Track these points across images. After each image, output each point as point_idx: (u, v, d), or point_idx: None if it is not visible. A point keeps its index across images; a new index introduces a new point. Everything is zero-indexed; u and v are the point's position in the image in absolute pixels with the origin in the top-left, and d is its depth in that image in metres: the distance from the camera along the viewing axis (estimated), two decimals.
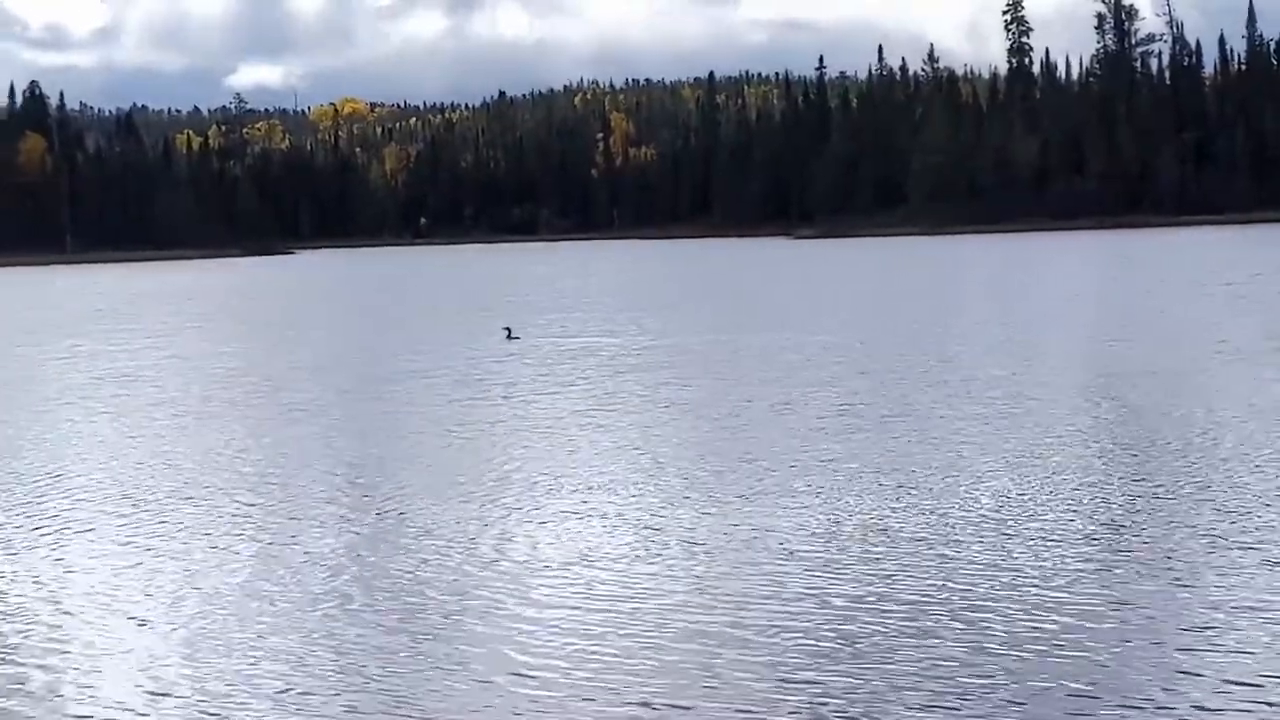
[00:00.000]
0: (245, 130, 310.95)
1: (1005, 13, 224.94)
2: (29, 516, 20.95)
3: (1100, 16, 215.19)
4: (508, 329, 50.88)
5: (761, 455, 24.07)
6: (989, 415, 27.77)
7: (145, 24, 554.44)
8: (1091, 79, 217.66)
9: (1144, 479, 20.96)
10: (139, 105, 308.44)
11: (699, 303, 70.99)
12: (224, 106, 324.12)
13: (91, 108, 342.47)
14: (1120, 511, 18.79)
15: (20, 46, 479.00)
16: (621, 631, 14.27)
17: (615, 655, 13.49)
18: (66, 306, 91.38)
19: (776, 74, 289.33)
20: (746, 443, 25.61)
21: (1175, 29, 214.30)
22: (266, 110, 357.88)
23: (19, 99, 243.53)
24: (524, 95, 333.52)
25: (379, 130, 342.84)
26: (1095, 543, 17.17)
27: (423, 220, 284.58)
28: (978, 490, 20.44)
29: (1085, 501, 19.50)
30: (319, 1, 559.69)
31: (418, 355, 46.58)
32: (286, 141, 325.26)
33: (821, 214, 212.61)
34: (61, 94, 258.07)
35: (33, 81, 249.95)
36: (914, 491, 20.49)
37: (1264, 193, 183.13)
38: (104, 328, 67.06)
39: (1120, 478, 21.15)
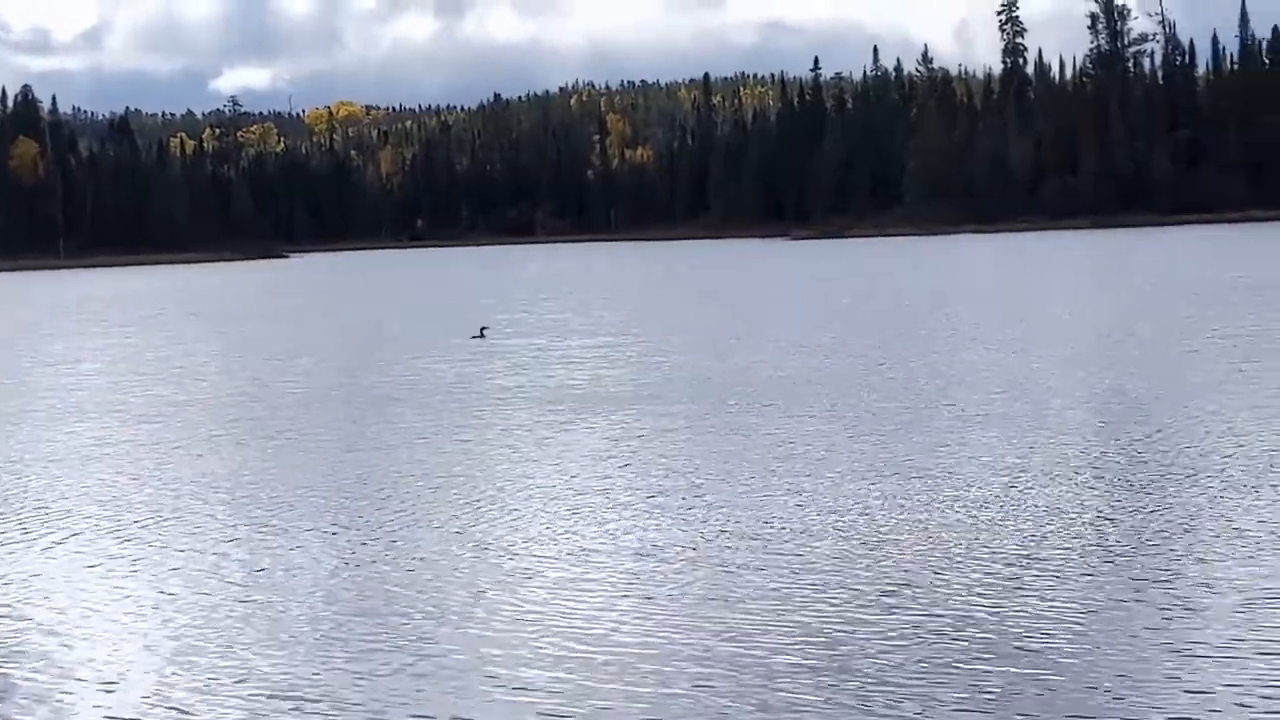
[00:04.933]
0: (240, 133, 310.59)
1: (1000, 13, 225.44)
2: None
3: (1093, 17, 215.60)
4: (483, 328, 51.30)
5: (722, 464, 23.95)
6: (976, 416, 27.70)
7: (131, 28, 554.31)
8: (1085, 79, 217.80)
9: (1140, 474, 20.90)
10: (132, 109, 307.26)
11: (683, 303, 70.87)
12: (218, 110, 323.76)
13: (84, 111, 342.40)
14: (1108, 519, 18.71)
15: (5, 50, 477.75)
16: (604, 650, 14.18)
17: (597, 674, 13.42)
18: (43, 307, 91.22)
19: (771, 75, 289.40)
20: (702, 452, 25.50)
21: (1167, 29, 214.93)
22: (261, 113, 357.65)
23: (10, 103, 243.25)
24: (519, 97, 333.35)
25: (374, 133, 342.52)
26: (1087, 552, 17.10)
27: (419, 222, 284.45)
28: (945, 497, 20.38)
29: (1072, 509, 19.41)
30: (306, 4, 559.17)
31: (388, 354, 46.43)
32: (281, 145, 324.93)
33: (818, 214, 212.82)
34: (54, 98, 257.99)
35: (25, 85, 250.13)
36: (890, 497, 20.41)
37: (1257, 191, 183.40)
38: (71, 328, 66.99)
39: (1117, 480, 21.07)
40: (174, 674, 13.59)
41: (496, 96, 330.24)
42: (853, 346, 44.20)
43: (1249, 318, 47.47)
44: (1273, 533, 17.29)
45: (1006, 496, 20.08)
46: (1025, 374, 35.10)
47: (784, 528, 18.67)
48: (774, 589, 15.76)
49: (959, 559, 16.75)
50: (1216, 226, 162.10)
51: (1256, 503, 19.02)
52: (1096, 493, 20.22)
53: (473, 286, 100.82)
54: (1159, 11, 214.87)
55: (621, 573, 16.82)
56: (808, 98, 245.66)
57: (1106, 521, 18.39)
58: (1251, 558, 16.25)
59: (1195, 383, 32.27)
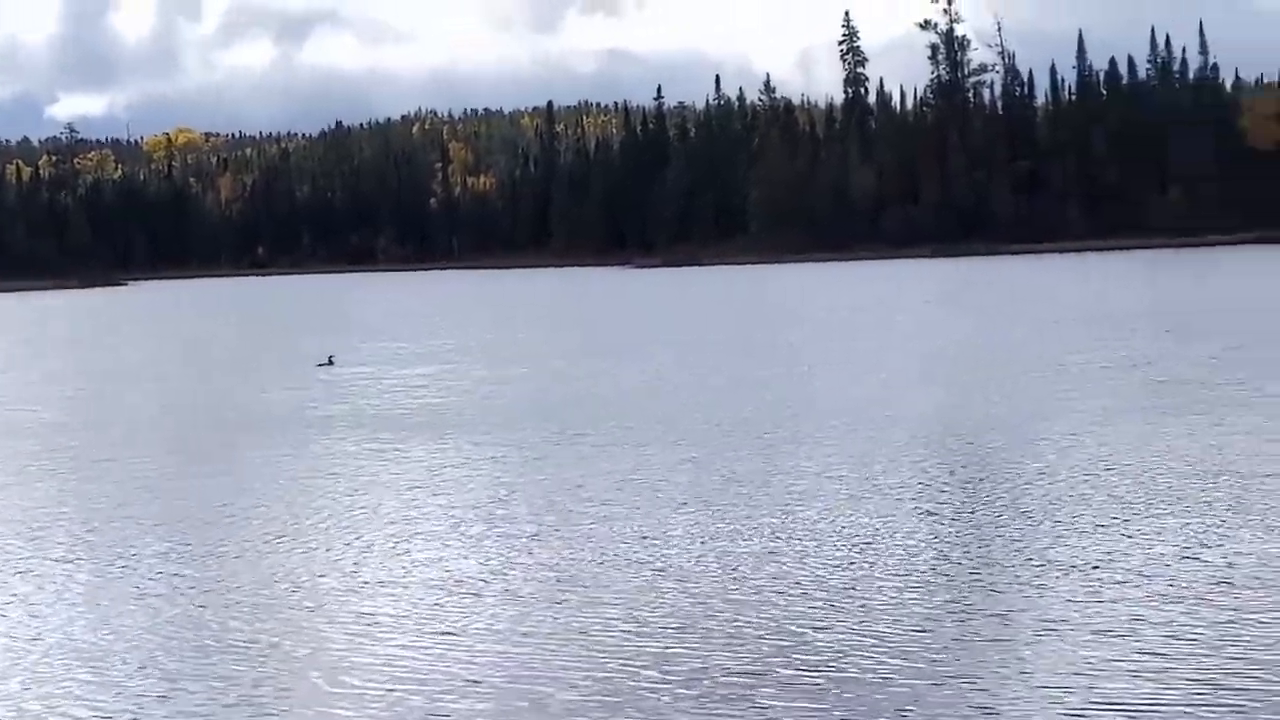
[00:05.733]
0: (77, 160, 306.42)
1: (841, 43, 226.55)
2: None
3: (933, 47, 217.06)
4: (330, 357, 50.65)
5: (543, 493, 23.42)
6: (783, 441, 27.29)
7: None
8: (925, 109, 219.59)
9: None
10: None
11: (523, 330, 70.37)
12: (55, 137, 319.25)
13: None
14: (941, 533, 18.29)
15: None
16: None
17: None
18: None
19: (615, 103, 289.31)
20: (522, 480, 24.94)
21: (1007, 59, 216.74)
22: (98, 140, 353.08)
23: None
24: (361, 125, 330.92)
25: (214, 160, 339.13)
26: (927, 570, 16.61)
27: (259, 250, 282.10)
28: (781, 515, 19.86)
29: (911, 526, 18.97)
30: (143, 30, 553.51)
31: (233, 381, 45.67)
32: (119, 172, 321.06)
33: (661, 243, 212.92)
34: None
35: None
36: (708, 525, 19.91)
37: (1095, 222, 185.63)
38: None
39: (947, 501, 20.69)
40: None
41: (338, 124, 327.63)
42: (690, 373, 43.86)
43: (1079, 347, 47.70)
44: (1094, 563, 17.12)
45: (823, 523, 19.78)
46: (861, 400, 34.83)
47: (595, 558, 18.40)
48: (574, 623, 15.44)
49: (769, 588, 16.47)
50: (1054, 256, 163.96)
51: (1077, 530, 18.89)
52: (919, 518, 20.07)
53: (318, 314, 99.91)
54: (998, 42, 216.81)
55: (424, 606, 16.44)
56: (651, 126, 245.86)
57: (927, 548, 18.18)
58: (1070, 584, 16.11)
59: (1027, 410, 32.19)
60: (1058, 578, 16.38)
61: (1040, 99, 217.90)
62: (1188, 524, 18.86)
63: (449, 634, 15.22)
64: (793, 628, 14.88)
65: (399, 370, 48.67)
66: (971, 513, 20.37)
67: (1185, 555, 17.16)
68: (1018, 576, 16.56)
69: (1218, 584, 15.82)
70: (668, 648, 14.35)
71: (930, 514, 20.36)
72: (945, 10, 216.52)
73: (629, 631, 14.99)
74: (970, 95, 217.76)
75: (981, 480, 23.06)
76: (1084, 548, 17.77)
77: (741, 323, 71.69)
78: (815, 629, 14.76)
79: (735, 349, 53.27)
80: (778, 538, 19.07)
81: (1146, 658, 13.42)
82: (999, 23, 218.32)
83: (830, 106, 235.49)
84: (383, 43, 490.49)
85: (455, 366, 49.48)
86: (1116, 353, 44.61)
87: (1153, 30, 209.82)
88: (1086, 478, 22.56)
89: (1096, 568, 16.74)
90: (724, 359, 48.76)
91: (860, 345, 53.04)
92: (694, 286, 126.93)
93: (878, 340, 55.27)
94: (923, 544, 18.42)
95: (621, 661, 14.02)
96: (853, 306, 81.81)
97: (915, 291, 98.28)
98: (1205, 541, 17.83)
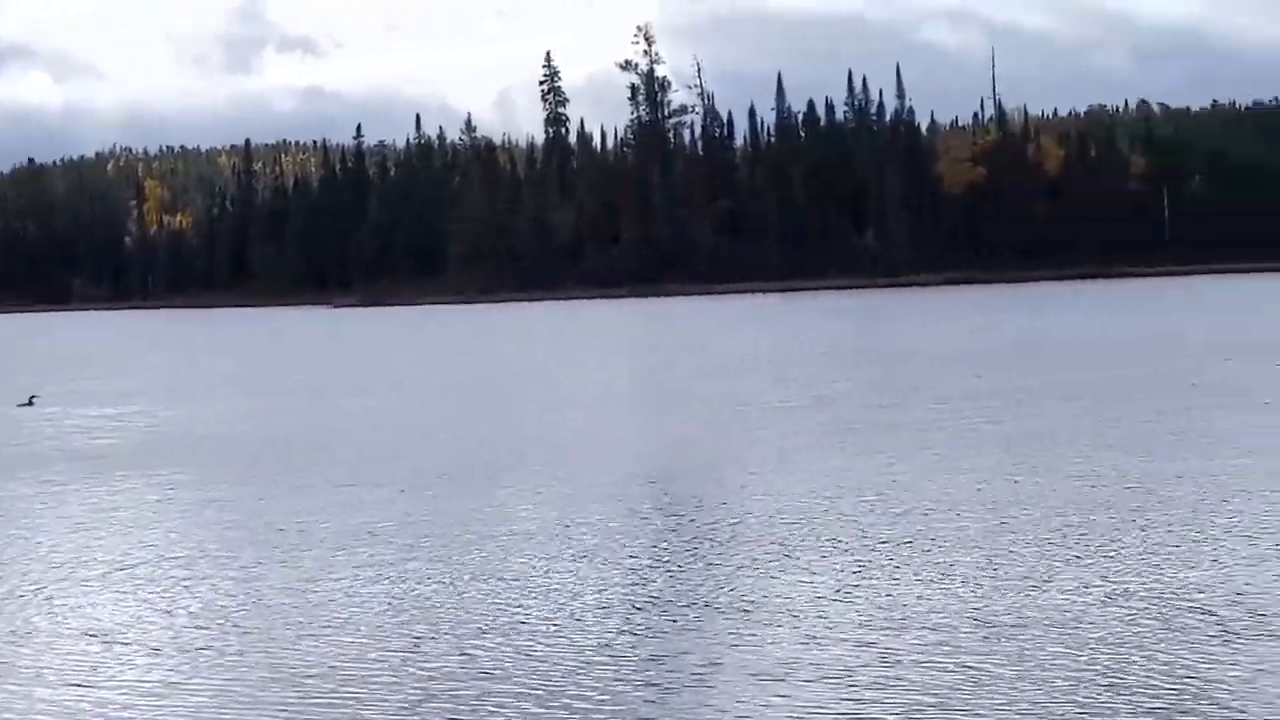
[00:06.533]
0: None
1: (542, 83, 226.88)
2: None
3: (633, 87, 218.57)
4: (31, 397, 49.33)
5: (212, 537, 22.76)
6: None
7: None
8: (626, 149, 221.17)
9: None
10: None
11: (216, 371, 69.11)
12: None
13: None
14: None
15: None
16: None
17: None
18: None
19: (314, 141, 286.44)
20: (184, 523, 24.19)
21: (706, 101, 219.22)
22: None
23: None
24: (54, 162, 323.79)
25: None
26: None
27: None
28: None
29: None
30: None
31: None
32: None
33: (361, 282, 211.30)
34: None
35: None
36: (376, 568, 19.37)
37: (795, 261, 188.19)
38: None
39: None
40: None
41: (30, 161, 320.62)
42: (390, 413, 43.31)
43: (759, 387, 48.06)
44: (752, 604, 16.99)
45: (487, 565, 19.49)
46: (564, 440, 34.55)
47: (244, 605, 17.75)
48: (214, 674, 14.91)
49: (428, 634, 16.09)
50: (754, 295, 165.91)
51: (741, 571, 18.76)
52: (580, 561, 19.77)
53: (13, 355, 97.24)
54: (698, 84, 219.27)
55: (61, 656, 15.77)
56: (350, 165, 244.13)
57: (588, 590, 17.91)
58: (727, 625, 15.92)
59: (701, 451, 32.19)
60: (717, 619, 16.15)
61: (740, 140, 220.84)
62: (851, 564, 18.77)
63: (84, 686, 14.61)
64: (445, 668, 14.56)
65: (95, 410, 47.36)
66: (634, 556, 20.08)
67: (846, 596, 17.02)
68: (675, 619, 16.26)
69: (873, 626, 15.64)
70: (309, 697, 13.83)
71: (588, 557, 20.01)
72: (645, 51, 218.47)
73: (269, 679, 14.47)
74: (671, 136, 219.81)
75: (645, 521, 22.84)
76: (742, 589, 17.56)
77: (428, 362, 71.17)
78: (465, 672, 14.37)
79: (420, 389, 52.76)
80: (436, 581, 18.62)
81: (799, 700, 13.18)
82: (698, 64, 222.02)
83: (531, 146, 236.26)
84: (77, 79, 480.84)
85: (146, 407, 48.28)
86: (796, 392, 44.92)
87: (850, 73, 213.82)
88: (755, 518, 22.42)
89: (751, 609, 16.53)
90: (410, 400, 48.26)
91: (531, 387, 52.84)
92: (394, 326, 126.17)
93: (545, 382, 55.15)
94: (584, 587, 18.06)
95: (257, 714, 13.51)
96: (528, 346, 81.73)
97: (611, 331, 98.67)
98: (867, 582, 17.71)
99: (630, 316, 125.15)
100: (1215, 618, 15.40)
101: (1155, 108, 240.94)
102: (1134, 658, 14.06)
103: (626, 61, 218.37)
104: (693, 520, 22.61)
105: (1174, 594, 16.46)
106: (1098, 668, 13.79)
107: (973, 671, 13.82)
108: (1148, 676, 13.47)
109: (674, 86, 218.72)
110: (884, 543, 20.06)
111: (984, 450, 29.72)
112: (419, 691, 13.89)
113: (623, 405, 43.75)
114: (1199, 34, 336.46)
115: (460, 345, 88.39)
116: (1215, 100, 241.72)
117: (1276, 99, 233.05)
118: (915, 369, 52.34)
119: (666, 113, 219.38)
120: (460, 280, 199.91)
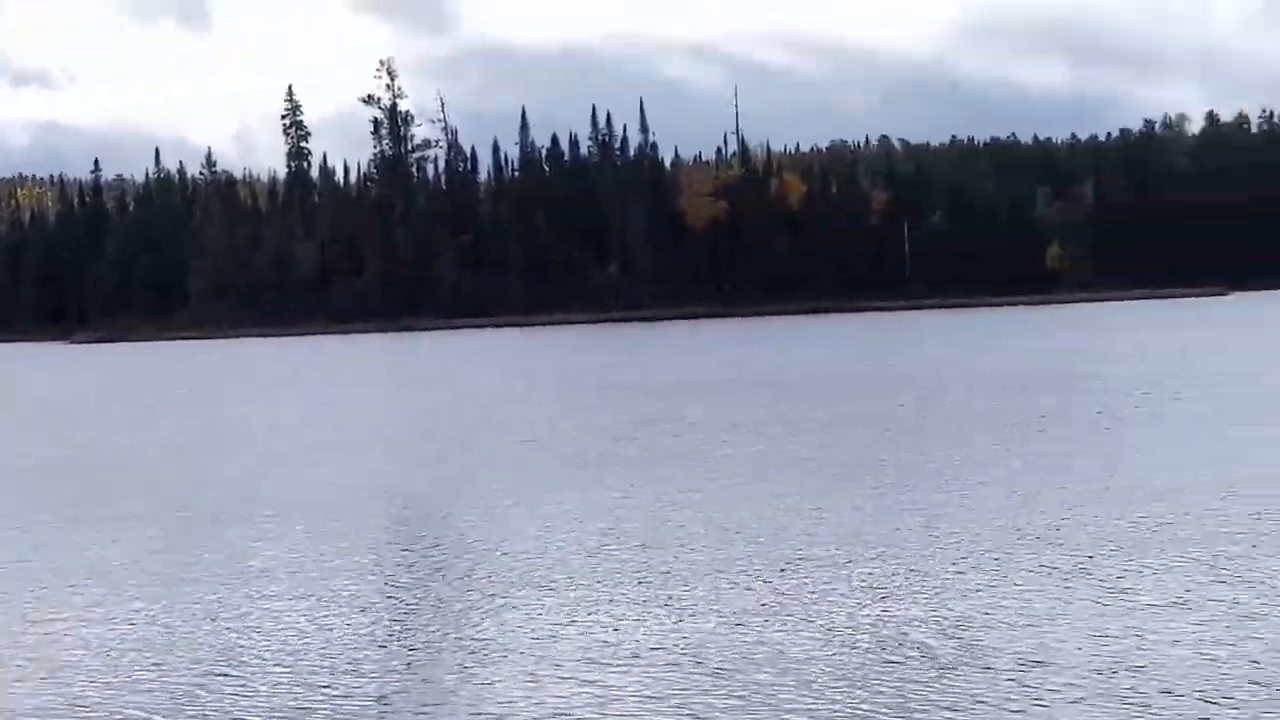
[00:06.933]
0: None
1: (284, 117, 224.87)
2: None
3: (376, 122, 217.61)
4: None
5: None
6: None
7: None
8: (369, 183, 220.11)
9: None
10: None
11: None
12: None
13: None
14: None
15: None
16: None
17: None
18: None
19: (50, 176, 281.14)
20: None
21: (450, 135, 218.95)
22: None
23: None
24: None
25: None
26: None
27: None
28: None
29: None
30: None
31: None
32: None
33: (100, 317, 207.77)
34: None
35: None
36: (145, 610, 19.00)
37: (537, 295, 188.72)
38: None
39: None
40: None
41: None
42: (145, 451, 42.64)
43: (500, 422, 48.06)
44: (518, 649, 16.92)
45: (225, 604, 19.09)
46: (297, 480, 34.20)
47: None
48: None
49: (145, 676, 15.77)
50: (498, 330, 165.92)
51: (508, 613, 18.60)
52: (340, 604, 19.42)
53: None
54: (442, 118, 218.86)
55: None
56: (88, 199, 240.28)
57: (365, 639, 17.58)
58: (454, 663, 15.82)
59: (463, 488, 32.08)
60: (443, 657, 16.07)
61: (484, 175, 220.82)
62: (579, 601, 18.76)
63: None
64: (166, 707, 14.35)
65: None
66: (362, 595, 19.91)
67: (571, 634, 17.02)
68: (401, 659, 16.17)
69: (596, 663, 15.66)
70: None
71: (315, 596, 19.81)
72: (388, 86, 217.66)
73: None
74: (414, 170, 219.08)
75: (376, 560, 22.66)
76: (469, 628, 17.51)
77: (158, 398, 70.24)
78: (185, 714, 14.15)
79: (145, 424, 52.04)
80: (159, 623, 18.31)
81: None
82: (441, 99, 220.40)
83: (273, 180, 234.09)
84: None
85: None
86: (540, 427, 44.98)
87: (594, 109, 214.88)
88: (488, 556, 22.37)
89: (477, 648, 16.47)
90: (143, 436, 47.58)
91: (270, 421, 52.39)
92: (133, 362, 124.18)
93: (282, 417, 54.70)
94: (310, 625, 17.88)
95: None
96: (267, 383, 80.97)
97: (342, 367, 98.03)
98: (593, 618, 17.72)
99: (371, 351, 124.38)
100: (929, 649, 15.65)
101: (896, 144, 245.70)
102: (856, 692, 14.21)
103: (369, 96, 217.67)
104: (425, 557, 22.50)
105: (891, 628, 16.68)
106: (816, 702, 13.92)
107: (696, 708, 13.88)
108: (870, 711, 13.62)
109: (417, 121, 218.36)
110: (615, 578, 20.08)
111: (719, 481, 29.91)
112: None
113: (357, 445, 43.41)
114: (939, 72, 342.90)
115: (181, 384, 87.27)
116: (954, 136, 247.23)
117: (1014, 136, 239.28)
118: (654, 403, 52.59)
119: (410, 147, 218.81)
120: (202, 315, 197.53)
